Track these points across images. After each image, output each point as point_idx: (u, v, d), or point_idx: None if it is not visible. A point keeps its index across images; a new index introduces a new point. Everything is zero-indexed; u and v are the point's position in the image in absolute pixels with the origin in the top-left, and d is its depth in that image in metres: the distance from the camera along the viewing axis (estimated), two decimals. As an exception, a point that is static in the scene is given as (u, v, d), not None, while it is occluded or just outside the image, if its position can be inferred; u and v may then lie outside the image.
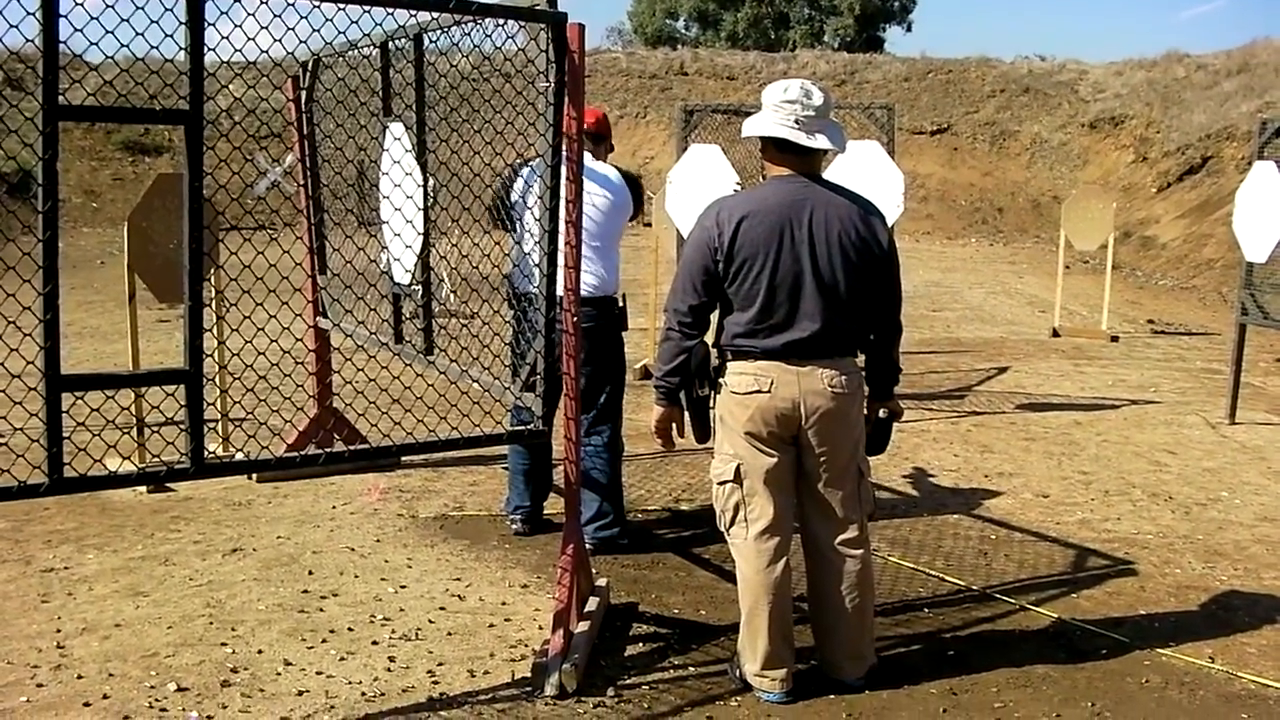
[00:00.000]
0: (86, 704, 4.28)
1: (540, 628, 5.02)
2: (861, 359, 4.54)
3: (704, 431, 4.63)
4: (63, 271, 3.62)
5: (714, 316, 4.52)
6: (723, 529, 4.54)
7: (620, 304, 6.13)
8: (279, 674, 4.57)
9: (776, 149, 4.39)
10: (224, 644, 4.84)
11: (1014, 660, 4.82)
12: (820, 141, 4.30)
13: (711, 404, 4.57)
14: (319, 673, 4.59)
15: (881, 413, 4.66)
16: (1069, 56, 35.98)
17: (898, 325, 4.62)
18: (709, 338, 4.53)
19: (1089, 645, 5.03)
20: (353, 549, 6.03)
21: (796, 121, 4.28)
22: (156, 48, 3.76)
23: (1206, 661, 4.87)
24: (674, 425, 4.65)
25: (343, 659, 4.72)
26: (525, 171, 5.65)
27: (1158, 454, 8.47)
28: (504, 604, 5.35)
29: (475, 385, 5.07)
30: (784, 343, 4.30)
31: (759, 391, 4.32)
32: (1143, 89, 31.42)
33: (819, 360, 4.32)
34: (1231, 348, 9.53)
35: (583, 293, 5.35)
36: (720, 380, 4.48)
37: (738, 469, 4.41)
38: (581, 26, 4.46)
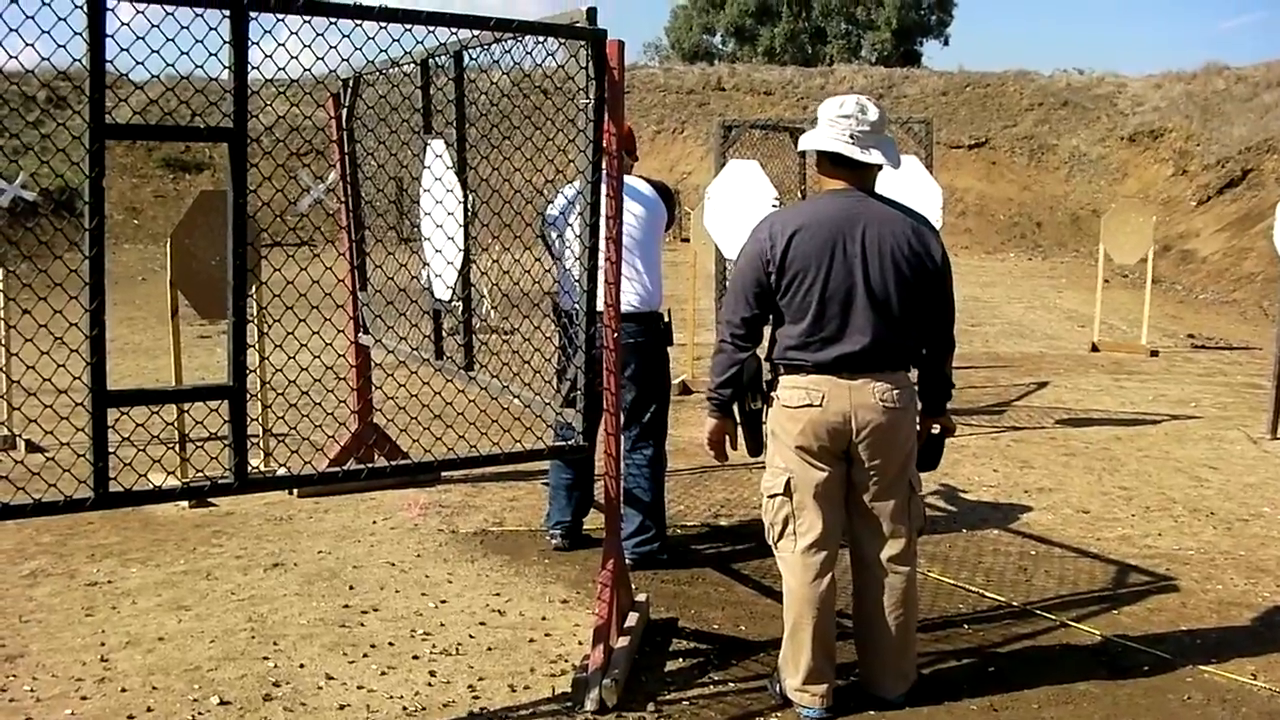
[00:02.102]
0: (130, 717, 4.31)
1: (580, 643, 5.03)
2: (914, 374, 4.53)
3: (756, 444, 4.63)
4: (105, 286, 3.66)
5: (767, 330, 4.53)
6: (770, 542, 4.53)
7: (665, 319, 6.13)
8: (320, 688, 4.60)
9: (831, 163, 4.40)
10: (266, 658, 4.87)
11: (1055, 677, 4.79)
12: (874, 156, 4.31)
13: (764, 417, 4.57)
14: (360, 687, 4.61)
15: (934, 428, 4.66)
16: (1107, 69, 35.97)
17: (950, 340, 4.61)
18: (761, 351, 4.54)
19: (1131, 662, 4.99)
20: (393, 564, 6.06)
21: (851, 136, 4.30)
22: (201, 67, 3.80)
23: (1249, 679, 4.83)
24: (727, 438, 4.67)
25: (384, 673, 4.74)
26: (568, 190, 5.67)
27: (1199, 469, 8.41)
28: (544, 619, 5.36)
29: (516, 401, 5.08)
30: (835, 356, 4.30)
31: (811, 405, 4.32)
32: (1182, 101, 31.26)
33: (871, 374, 4.31)
34: (1273, 362, 9.45)
35: (627, 308, 5.38)
36: (772, 394, 4.48)
37: (788, 482, 4.40)
38: (621, 43, 4.48)
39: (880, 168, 4.41)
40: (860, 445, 4.33)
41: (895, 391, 4.34)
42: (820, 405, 4.31)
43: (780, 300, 4.37)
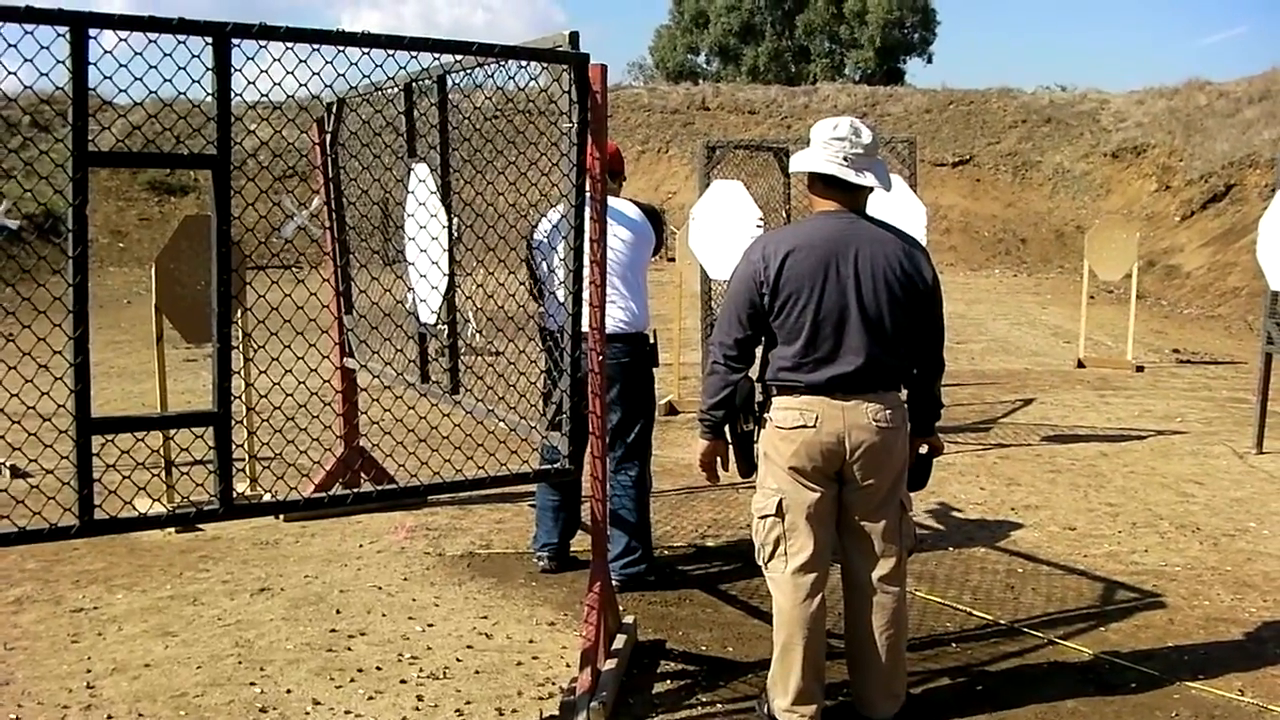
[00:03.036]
0: (117, 745, 4.30)
1: (568, 665, 5.02)
2: (904, 394, 4.54)
3: (748, 466, 4.62)
4: (90, 311, 3.65)
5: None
6: (761, 562, 4.52)
7: (651, 340, 6.14)
8: (308, 713, 4.58)
9: (823, 184, 4.42)
10: (253, 684, 4.85)
11: (1043, 695, 4.80)
12: (867, 179, 4.34)
13: (755, 439, 4.57)
14: (348, 712, 4.59)
15: (923, 448, 4.66)
16: (1090, 86, 36.10)
17: (940, 360, 4.61)
18: (753, 373, 4.54)
19: (1118, 679, 5.00)
20: (380, 588, 6.04)
21: (845, 159, 4.32)
22: (184, 93, 3.81)
23: (1236, 694, 4.84)
24: (718, 459, 4.67)
25: (371, 698, 4.73)
26: (553, 214, 5.68)
27: (1185, 485, 8.44)
28: (531, 642, 5.35)
29: (502, 424, 5.08)
30: (828, 377, 4.30)
31: (804, 427, 4.32)
32: (1164, 117, 31.42)
33: (864, 394, 4.32)
34: (1257, 377, 9.48)
35: (613, 329, 5.39)
36: (765, 415, 4.49)
37: (780, 503, 4.40)
38: (603, 67, 4.49)
39: (872, 190, 4.43)
40: (854, 466, 4.33)
41: (888, 411, 4.35)
42: (814, 426, 4.31)
43: (773, 321, 4.37)
